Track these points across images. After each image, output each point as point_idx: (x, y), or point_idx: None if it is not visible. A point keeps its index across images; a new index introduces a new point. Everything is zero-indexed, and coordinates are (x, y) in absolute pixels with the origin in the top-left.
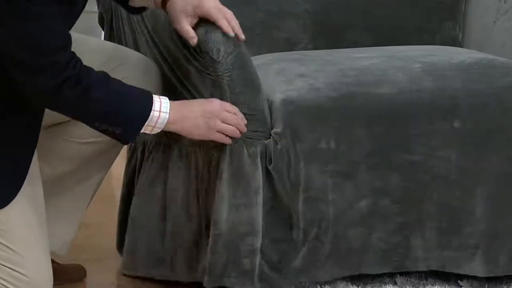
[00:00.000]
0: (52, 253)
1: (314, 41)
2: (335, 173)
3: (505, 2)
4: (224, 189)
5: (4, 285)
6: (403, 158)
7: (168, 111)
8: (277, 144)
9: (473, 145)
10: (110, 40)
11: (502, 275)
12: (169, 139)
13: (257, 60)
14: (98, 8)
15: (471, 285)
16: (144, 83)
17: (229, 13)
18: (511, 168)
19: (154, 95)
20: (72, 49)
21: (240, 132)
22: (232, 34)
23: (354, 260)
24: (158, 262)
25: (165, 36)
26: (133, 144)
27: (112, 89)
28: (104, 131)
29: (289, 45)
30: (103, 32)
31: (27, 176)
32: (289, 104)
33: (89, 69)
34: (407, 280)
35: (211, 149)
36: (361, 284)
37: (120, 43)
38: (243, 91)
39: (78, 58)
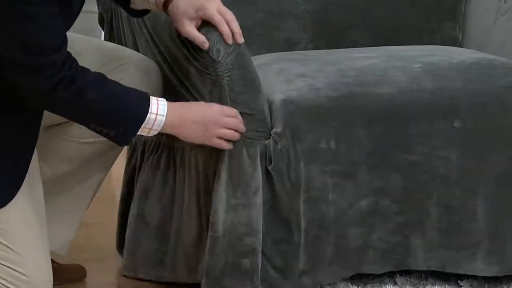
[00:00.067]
0: (52, 253)
1: (314, 41)
2: (335, 173)
3: (505, 2)
4: (222, 189)
5: (4, 285)
6: (403, 158)
7: (165, 114)
8: (277, 144)
9: (473, 145)
10: (110, 40)
11: (502, 275)
12: (169, 139)
13: (257, 60)
14: (98, 8)
15: (471, 285)
16: (144, 83)
17: (230, 15)
18: (511, 168)
19: (152, 97)
20: (71, 49)
21: (240, 133)
22: (230, 42)
23: (354, 260)
24: (159, 263)
25: (165, 36)
26: (133, 144)
27: (108, 90)
28: (99, 133)
29: (289, 45)
30: (103, 32)
31: (27, 176)
32: (289, 104)
33: (85, 70)
34: (407, 280)
35: (211, 150)
36: (361, 284)
37: (120, 43)
38: (243, 91)
39: (74, 58)
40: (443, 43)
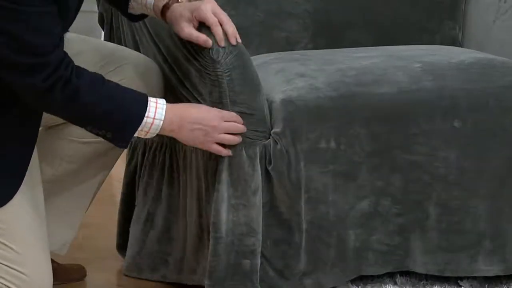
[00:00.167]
0: (52, 253)
1: (314, 40)
2: (335, 173)
3: (505, 2)
4: (223, 190)
5: (4, 284)
6: (403, 158)
7: (162, 119)
8: (277, 144)
9: (473, 145)
10: (110, 40)
11: (503, 274)
12: (171, 140)
13: (257, 60)
14: (98, 8)
15: (471, 285)
16: (144, 83)
17: (224, 16)
18: (511, 168)
19: (151, 100)
20: (70, 49)
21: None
22: (223, 44)
23: (355, 262)
24: (163, 264)
25: (165, 36)
26: (133, 145)
27: (105, 92)
28: (97, 134)
29: (289, 45)
30: (103, 32)
31: (27, 176)
32: (289, 104)
33: (82, 71)
34: (407, 280)
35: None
36: (361, 284)
37: (120, 43)
38: (243, 90)
39: (70, 59)
40: (443, 42)
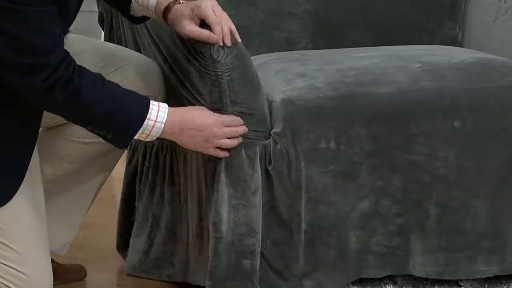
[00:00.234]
0: (52, 253)
1: (314, 40)
2: (335, 173)
3: (505, 2)
4: (223, 190)
5: (4, 284)
6: (403, 158)
7: (164, 122)
8: (277, 144)
9: (473, 145)
10: (110, 40)
11: (501, 274)
12: (170, 142)
13: (257, 60)
14: (98, 8)
15: (471, 285)
16: (144, 84)
17: (224, 16)
18: (511, 168)
19: (153, 103)
20: (70, 50)
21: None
22: (221, 44)
23: (355, 264)
24: (168, 266)
25: (165, 36)
26: (133, 146)
27: (106, 93)
28: (97, 134)
29: (289, 45)
30: (103, 32)
31: (28, 176)
32: (289, 104)
33: (83, 71)
34: (407, 280)
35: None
36: (361, 285)
37: (120, 43)
38: (243, 90)
39: (72, 59)
40: (443, 42)
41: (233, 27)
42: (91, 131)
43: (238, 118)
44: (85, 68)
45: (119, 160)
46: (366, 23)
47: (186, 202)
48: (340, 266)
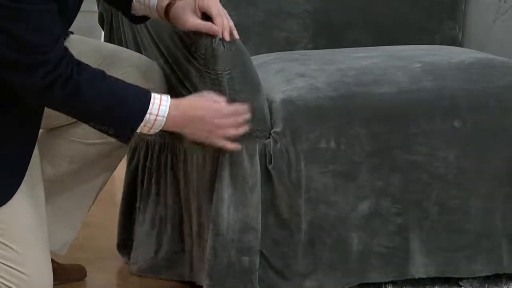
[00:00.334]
0: (52, 253)
1: (314, 40)
2: (335, 173)
3: (505, 2)
4: (222, 188)
5: (4, 284)
6: (403, 158)
7: (165, 115)
8: (277, 143)
9: (473, 145)
10: (110, 40)
11: (501, 273)
12: (172, 139)
13: (257, 60)
14: (98, 8)
15: (471, 285)
16: (146, 84)
17: (225, 11)
18: (510, 168)
19: (155, 96)
20: (72, 50)
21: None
22: (221, 35)
23: (357, 266)
24: (177, 263)
25: (165, 36)
26: (133, 146)
27: (105, 89)
28: (99, 130)
29: (289, 45)
30: (103, 32)
31: (28, 175)
32: (289, 103)
33: (82, 68)
34: (407, 280)
35: (212, 148)
36: (361, 284)
37: (120, 43)
38: (243, 89)
39: (71, 55)
40: (443, 42)
41: (232, 24)
42: (93, 127)
43: (242, 106)
44: (84, 64)
45: None
46: (366, 23)
47: (188, 201)
48: (341, 267)
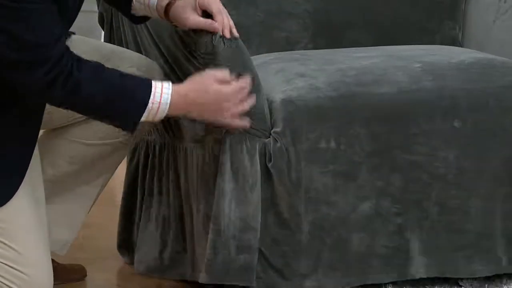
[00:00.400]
0: (52, 253)
1: (314, 40)
2: (335, 173)
3: (505, 2)
4: (224, 184)
5: (4, 283)
6: (403, 158)
7: (168, 102)
8: (277, 142)
9: (473, 145)
10: (110, 40)
11: (502, 273)
12: (172, 138)
13: (257, 60)
14: (98, 8)
15: (471, 285)
16: None
17: (223, 8)
18: (510, 168)
19: (156, 84)
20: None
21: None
22: (221, 33)
23: (357, 267)
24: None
25: (165, 36)
26: (133, 145)
27: (105, 82)
28: (104, 122)
29: (289, 45)
30: (103, 32)
31: (28, 176)
32: (289, 103)
33: (82, 63)
34: (407, 280)
35: (211, 145)
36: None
37: (120, 43)
38: None
39: (71, 52)
40: (443, 42)
41: (232, 22)
42: (98, 120)
43: (245, 80)
44: (84, 60)
45: None
46: (366, 23)
47: (188, 200)
48: (341, 267)
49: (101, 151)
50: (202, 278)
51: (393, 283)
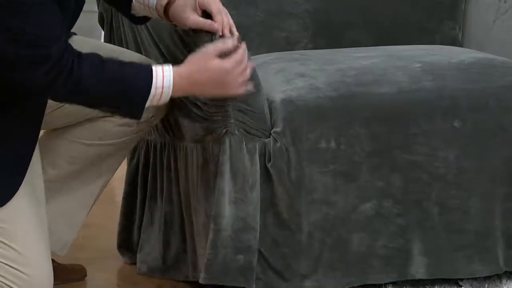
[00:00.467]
0: (52, 253)
1: (314, 40)
2: (335, 173)
3: (505, 2)
4: (224, 184)
5: (4, 283)
6: (403, 158)
7: (171, 85)
8: (277, 142)
9: (473, 145)
10: (110, 40)
11: (500, 273)
12: (172, 138)
13: (257, 60)
14: (98, 8)
15: (471, 285)
16: None
17: (223, 8)
18: (510, 168)
19: (157, 68)
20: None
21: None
22: (220, 33)
23: (357, 267)
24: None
25: (165, 36)
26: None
27: (107, 75)
28: (109, 112)
29: (289, 45)
30: (103, 32)
31: (28, 176)
32: (289, 103)
33: (83, 59)
34: (407, 280)
35: (211, 145)
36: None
37: (120, 43)
38: None
39: (72, 49)
40: (443, 42)
41: (232, 22)
42: (103, 111)
43: (241, 49)
44: (84, 56)
45: None
46: (366, 23)
47: (188, 200)
48: (341, 268)
49: (102, 151)
50: (202, 279)
51: (393, 283)
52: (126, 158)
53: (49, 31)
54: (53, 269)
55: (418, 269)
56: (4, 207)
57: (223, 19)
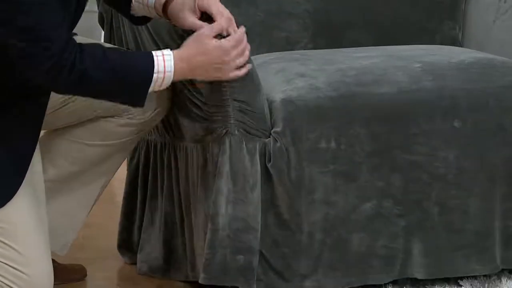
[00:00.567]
0: (52, 253)
1: (314, 40)
2: (335, 173)
3: (505, 2)
4: (222, 184)
5: (4, 283)
6: (403, 158)
7: (172, 70)
8: (277, 142)
9: (473, 145)
10: (110, 40)
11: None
12: (172, 138)
13: (257, 60)
14: (98, 8)
15: (471, 285)
16: None
17: (224, 9)
18: (510, 168)
19: (157, 55)
20: None
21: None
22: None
23: (357, 267)
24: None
25: (164, 35)
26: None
27: (109, 66)
28: (114, 101)
29: (289, 45)
30: (103, 32)
31: (29, 176)
32: (289, 103)
33: (83, 54)
34: (407, 279)
35: (211, 145)
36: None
37: (120, 43)
38: (243, 89)
39: (74, 43)
40: (443, 42)
41: (232, 18)
42: (107, 100)
43: (240, 31)
44: (85, 49)
45: None
46: (366, 23)
47: (188, 199)
48: (341, 267)
49: (102, 152)
50: (202, 279)
51: (393, 283)
52: (126, 158)
53: (50, 30)
54: (53, 269)
55: (418, 269)
56: (4, 207)
57: (222, 22)
